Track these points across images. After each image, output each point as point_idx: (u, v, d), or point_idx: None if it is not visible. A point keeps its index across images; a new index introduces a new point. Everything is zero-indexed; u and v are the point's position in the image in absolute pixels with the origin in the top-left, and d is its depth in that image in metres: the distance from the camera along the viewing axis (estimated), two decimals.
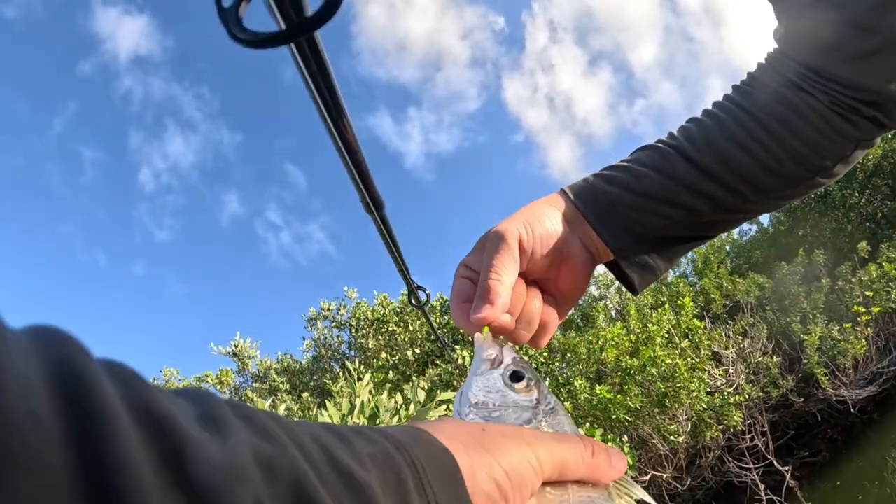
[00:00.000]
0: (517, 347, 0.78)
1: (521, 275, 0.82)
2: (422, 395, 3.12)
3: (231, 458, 0.28)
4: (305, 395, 11.31)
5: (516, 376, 0.69)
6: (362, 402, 2.96)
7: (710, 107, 0.92)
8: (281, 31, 0.37)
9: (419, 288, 1.77)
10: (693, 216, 0.87)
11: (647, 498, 0.65)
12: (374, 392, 3.16)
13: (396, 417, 2.98)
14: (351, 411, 3.03)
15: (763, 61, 0.93)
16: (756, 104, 0.88)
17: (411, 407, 3.00)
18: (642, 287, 0.91)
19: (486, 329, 0.75)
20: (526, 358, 0.75)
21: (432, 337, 11.40)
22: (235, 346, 13.75)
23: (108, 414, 0.24)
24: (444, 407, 3.23)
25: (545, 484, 0.55)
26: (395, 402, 3.12)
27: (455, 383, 10.03)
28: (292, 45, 0.48)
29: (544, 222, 0.83)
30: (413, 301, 1.77)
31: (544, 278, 0.85)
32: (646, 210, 0.85)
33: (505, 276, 0.77)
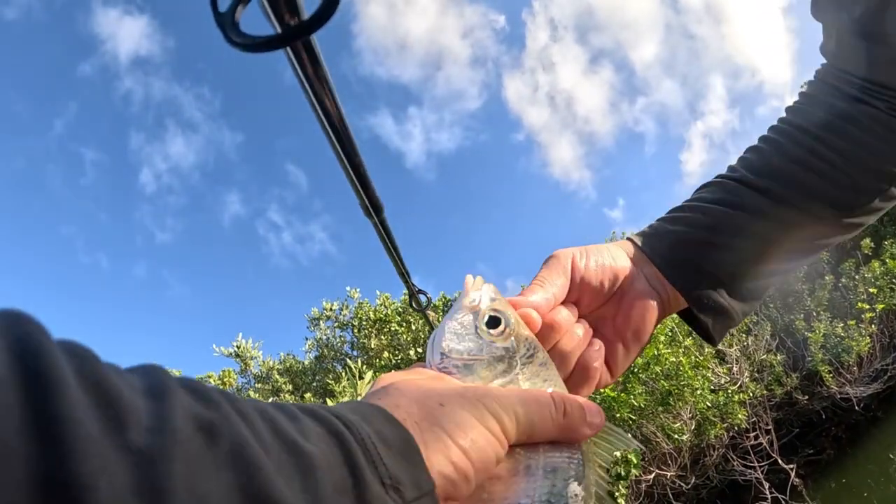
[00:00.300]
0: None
1: (574, 305, 0.76)
2: None
3: (169, 423, 0.29)
4: (308, 395, 11.29)
5: (493, 321, 0.64)
6: (360, 396, 2.93)
7: (766, 132, 0.89)
8: (277, 34, 0.37)
9: (420, 291, 1.75)
10: (766, 245, 0.82)
11: (630, 443, 0.62)
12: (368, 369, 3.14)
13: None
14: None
15: (814, 78, 0.91)
16: (813, 121, 0.85)
17: None
18: (719, 334, 0.83)
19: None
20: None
21: None
22: (237, 347, 13.71)
23: (59, 380, 0.26)
24: None
25: (515, 445, 0.53)
26: None
27: None
28: (288, 49, 0.47)
29: (603, 253, 0.78)
30: (414, 305, 1.74)
31: (601, 316, 0.78)
32: (715, 245, 0.80)
33: (548, 285, 0.72)
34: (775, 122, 0.89)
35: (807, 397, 10.63)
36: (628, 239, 0.83)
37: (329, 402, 2.96)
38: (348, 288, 13.93)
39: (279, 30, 0.37)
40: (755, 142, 0.90)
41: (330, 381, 10.28)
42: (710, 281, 0.80)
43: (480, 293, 0.67)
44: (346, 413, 0.43)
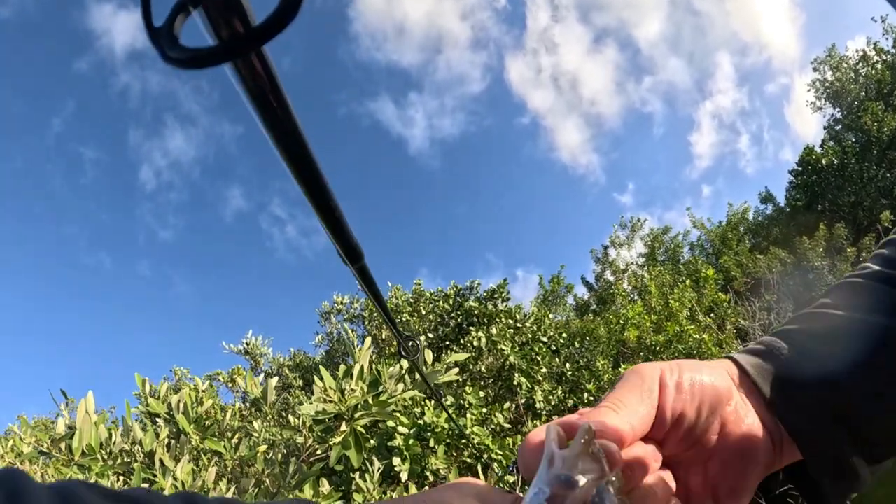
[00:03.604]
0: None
1: (657, 442, 0.53)
2: (429, 357, 2.83)
3: None
4: None
5: None
6: (362, 367, 2.69)
7: None
8: (224, 42, 0.33)
9: (409, 337, 1.59)
10: None
11: None
12: (377, 360, 2.90)
13: (402, 384, 2.71)
14: (346, 374, 2.76)
15: None
16: None
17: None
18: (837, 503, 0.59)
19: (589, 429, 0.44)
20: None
21: (446, 321, 11.25)
22: (247, 344, 13.67)
23: None
24: (455, 371, 2.96)
25: None
26: (400, 368, 2.85)
27: (470, 369, 9.78)
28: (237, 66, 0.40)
29: (702, 370, 0.55)
30: (402, 352, 1.59)
31: (689, 459, 0.55)
32: (851, 361, 0.55)
33: (624, 410, 0.49)
34: None
35: None
36: (728, 357, 0.60)
37: (321, 368, 2.71)
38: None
39: (223, 39, 0.33)
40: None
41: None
42: (843, 432, 0.55)
43: (579, 464, 0.41)
44: None
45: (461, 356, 3.07)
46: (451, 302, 11.55)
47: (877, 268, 0.63)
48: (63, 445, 2.67)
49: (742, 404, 0.55)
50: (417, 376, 2.70)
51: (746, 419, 0.54)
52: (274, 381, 3.37)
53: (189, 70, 0.31)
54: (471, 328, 10.40)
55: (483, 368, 9.68)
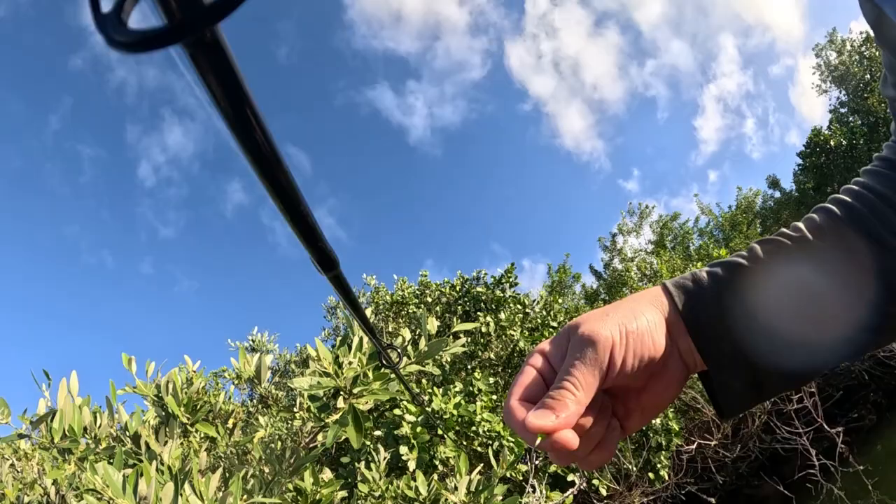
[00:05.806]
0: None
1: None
2: (433, 326, 2.65)
3: None
4: None
5: None
6: (361, 338, 2.52)
7: (839, 195, 0.76)
8: (175, 22, 0.29)
9: (389, 346, 1.60)
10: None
11: None
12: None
13: (405, 359, 2.54)
14: (343, 344, 2.59)
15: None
16: None
17: (422, 342, 2.55)
18: (731, 413, 0.71)
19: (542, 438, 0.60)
20: None
21: (453, 309, 11.12)
22: (253, 341, 13.57)
23: None
24: (461, 342, 2.78)
25: None
26: (403, 340, 2.68)
27: (479, 355, 9.61)
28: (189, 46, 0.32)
29: (644, 337, 0.66)
30: (384, 362, 1.55)
31: (626, 388, 0.69)
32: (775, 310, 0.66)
33: (581, 391, 0.62)
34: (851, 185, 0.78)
35: None
36: (666, 291, 0.70)
37: (316, 340, 2.54)
38: (364, 275, 13.84)
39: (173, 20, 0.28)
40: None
41: None
42: (751, 362, 0.68)
43: None
44: None
45: (468, 325, 2.89)
46: (457, 290, 11.40)
47: (801, 232, 0.70)
48: (42, 427, 2.51)
49: (672, 351, 0.67)
50: (422, 346, 2.53)
51: (673, 363, 0.67)
52: (269, 358, 3.20)
53: (137, 54, 0.28)
54: (478, 314, 10.23)
55: (492, 356, 9.51)
